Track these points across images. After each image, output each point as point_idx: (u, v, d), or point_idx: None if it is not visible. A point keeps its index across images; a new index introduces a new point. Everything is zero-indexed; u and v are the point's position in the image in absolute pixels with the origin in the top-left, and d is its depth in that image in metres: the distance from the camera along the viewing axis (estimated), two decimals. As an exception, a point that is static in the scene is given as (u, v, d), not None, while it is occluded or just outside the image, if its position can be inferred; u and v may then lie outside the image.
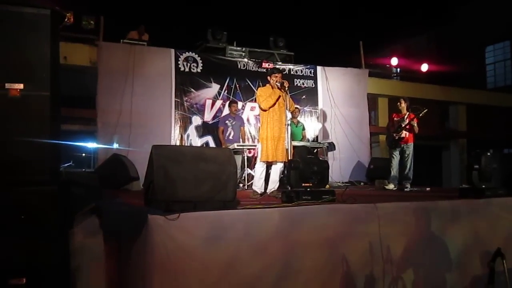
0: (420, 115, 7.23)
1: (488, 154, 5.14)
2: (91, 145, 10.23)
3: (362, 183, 9.51)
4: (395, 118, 7.57)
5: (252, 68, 9.56)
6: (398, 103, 7.60)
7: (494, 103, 13.91)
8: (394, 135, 7.39)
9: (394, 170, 7.43)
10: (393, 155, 7.46)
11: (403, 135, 7.30)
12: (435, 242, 4.31)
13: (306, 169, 4.23)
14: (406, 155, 7.32)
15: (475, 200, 4.81)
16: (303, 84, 10.01)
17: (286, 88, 5.52)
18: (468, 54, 17.87)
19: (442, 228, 4.39)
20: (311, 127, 9.97)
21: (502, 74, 18.91)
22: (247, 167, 8.02)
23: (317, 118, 10.13)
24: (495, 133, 13.38)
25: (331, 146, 9.06)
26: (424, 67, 13.20)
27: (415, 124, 7.22)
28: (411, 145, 7.36)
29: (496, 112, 13.66)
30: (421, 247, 4.23)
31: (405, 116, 7.33)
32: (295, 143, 7.59)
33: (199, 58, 9.04)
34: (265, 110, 5.58)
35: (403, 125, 7.27)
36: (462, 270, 4.43)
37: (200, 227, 3.18)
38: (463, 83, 13.95)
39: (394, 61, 13.05)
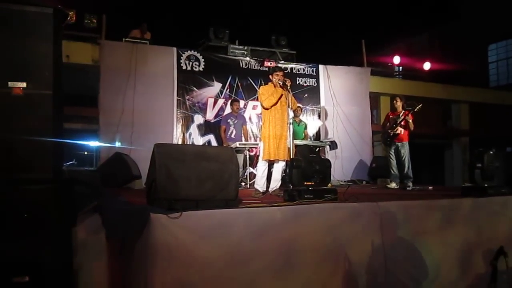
0: (415, 110, 7.27)
1: (491, 152, 5.13)
2: (93, 143, 10.24)
3: (364, 182, 9.50)
4: (390, 116, 7.62)
5: (254, 67, 9.56)
6: (394, 101, 7.68)
7: (497, 101, 13.87)
8: (389, 131, 7.44)
9: (394, 169, 7.46)
10: (390, 154, 7.54)
11: (398, 131, 7.32)
12: (437, 240, 4.31)
13: (308, 167, 4.23)
14: (402, 154, 7.34)
15: (477, 198, 4.80)
16: (305, 82, 10.01)
17: (288, 87, 5.52)
18: (471, 52, 17.81)
19: (445, 227, 4.38)
20: (313, 125, 9.97)
21: (505, 73, 18.86)
22: (249, 166, 8.03)
23: (319, 116, 10.12)
24: (497, 132, 13.34)
25: (334, 145, 9.06)
26: (427, 66, 13.17)
27: (410, 121, 7.24)
28: (406, 143, 7.39)
29: (498, 111, 13.63)
30: (424, 246, 4.22)
31: (401, 114, 7.36)
32: (297, 141, 7.58)
33: (201, 56, 9.04)
34: (267, 109, 5.58)
35: (398, 121, 7.30)
36: (465, 269, 4.42)
37: (202, 226, 3.19)
38: (466, 82, 13.91)
39: (396, 59, 13.02)
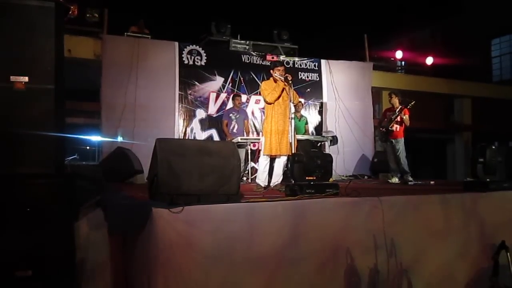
0: (408, 107, 7.26)
1: (493, 147, 5.12)
2: (95, 138, 10.24)
3: (366, 177, 9.50)
4: (387, 113, 7.61)
5: (256, 61, 9.53)
6: (390, 98, 7.66)
7: (500, 96, 13.82)
8: (382, 129, 7.55)
9: (393, 164, 7.48)
10: (387, 150, 7.64)
11: (393, 128, 7.33)
12: (439, 235, 4.31)
13: (309, 162, 4.22)
14: (397, 150, 7.35)
15: (479, 193, 4.80)
16: (307, 77, 9.98)
17: (290, 82, 5.51)
18: (474, 47, 17.71)
19: (447, 221, 4.38)
20: (315, 120, 9.97)
21: (508, 67, 18.72)
22: (251, 161, 8.02)
23: (321, 111, 10.11)
24: (500, 126, 13.31)
25: (334, 140, 9.05)
26: (429, 60, 13.13)
27: (405, 117, 7.26)
28: (400, 140, 7.40)
29: (501, 105, 13.58)
30: (425, 240, 4.23)
31: (397, 110, 7.35)
32: (299, 136, 7.58)
33: (203, 51, 9.02)
34: (270, 103, 5.58)
35: (393, 118, 7.31)
36: (467, 263, 4.43)
37: (204, 221, 3.20)
38: (469, 76, 13.85)
39: (399, 54, 12.98)
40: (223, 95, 9.09)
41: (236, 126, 8.19)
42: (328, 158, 4.45)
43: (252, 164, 8.07)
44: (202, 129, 8.89)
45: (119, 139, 8.06)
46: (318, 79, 10.11)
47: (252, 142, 8.20)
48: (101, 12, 8.67)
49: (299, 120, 8.65)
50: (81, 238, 3.35)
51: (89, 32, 8.69)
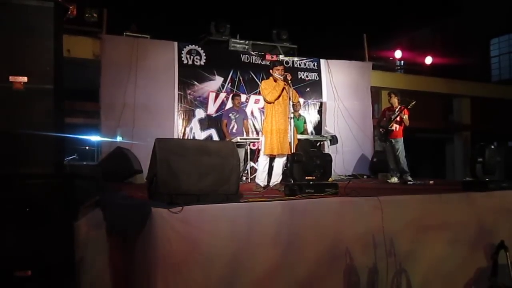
0: (409, 107, 7.26)
1: (492, 147, 5.13)
2: (94, 138, 10.22)
3: (365, 176, 9.50)
4: (387, 112, 7.61)
5: (256, 61, 9.52)
6: (389, 97, 7.66)
7: (499, 95, 13.82)
8: (381, 130, 7.55)
9: (392, 164, 7.48)
10: (386, 150, 7.62)
11: (393, 127, 7.33)
12: (438, 235, 4.31)
13: (309, 162, 4.23)
14: (397, 150, 7.35)
15: (478, 193, 4.80)
16: (307, 77, 9.97)
17: (289, 81, 5.51)
18: (473, 46, 17.72)
19: (446, 221, 4.39)
20: (315, 120, 9.97)
21: (507, 67, 18.73)
22: (250, 160, 8.02)
23: (321, 111, 10.11)
24: (499, 126, 13.32)
25: (334, 140, 9.05)
26: (428, 60, 13.12)
27: (405, 117, 7.25)
28: (400, 140, 7.41)
29: (500, 105, 13.58)
30: (425, 240, 4.23)
31: (397, 109, 7.35)
32: (298, 136, 7.57)
33: (202, 51, 9.01)
34: (270, 103, 5.58)
35: (392, 118, 7.31)
36: (466, 263, 4.44)
37: (203, 220, 3.20)
38: (468, 76, 13.86)
39: (398, 54, 12.97)
40: (222, 95, 9.09)
41: (235, 126, 8.18)
42: (328, 158, 4.46)
43: (252, 163, 8.07)
44: (202, 129, 8.88)
45: (119, 139, 8.05)
46: (317, 79, 10.10)
47: (251, 142, 8.19)
48: (100, 12, 8.65)
49: (298, 120, 8.64)
50: (81, 238, 3.35)
51: (88, 32, 8.68)
